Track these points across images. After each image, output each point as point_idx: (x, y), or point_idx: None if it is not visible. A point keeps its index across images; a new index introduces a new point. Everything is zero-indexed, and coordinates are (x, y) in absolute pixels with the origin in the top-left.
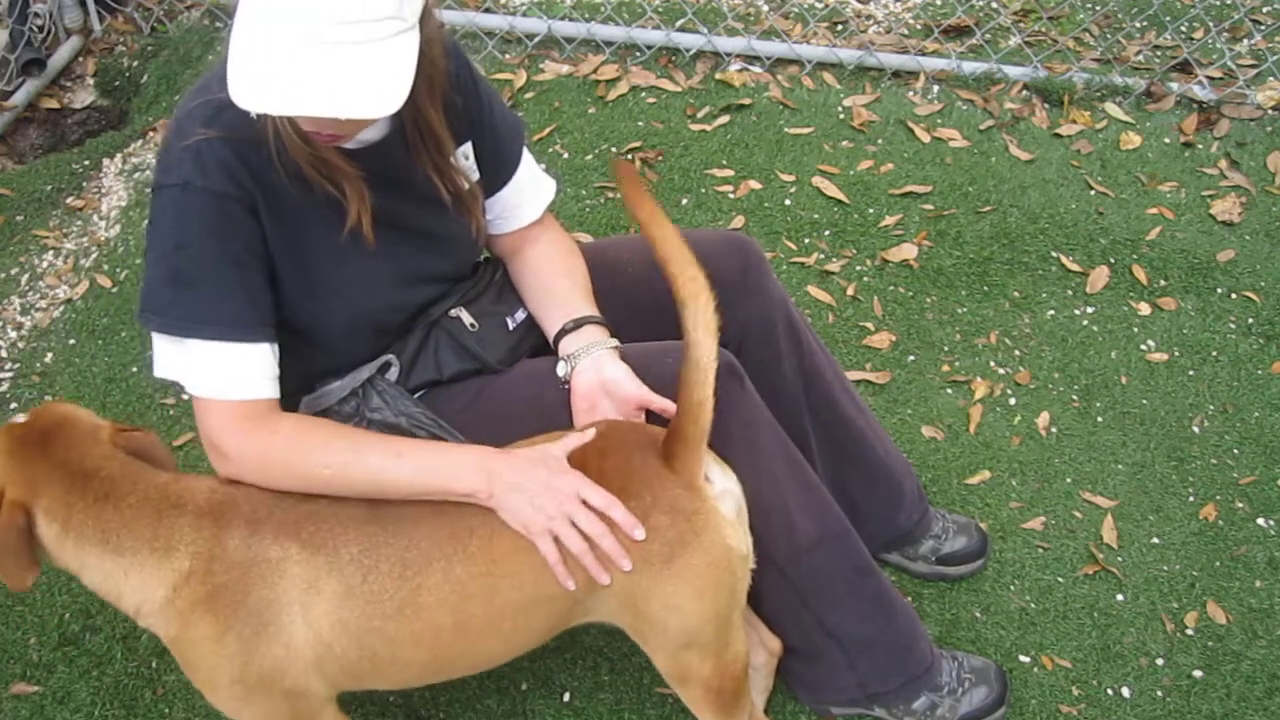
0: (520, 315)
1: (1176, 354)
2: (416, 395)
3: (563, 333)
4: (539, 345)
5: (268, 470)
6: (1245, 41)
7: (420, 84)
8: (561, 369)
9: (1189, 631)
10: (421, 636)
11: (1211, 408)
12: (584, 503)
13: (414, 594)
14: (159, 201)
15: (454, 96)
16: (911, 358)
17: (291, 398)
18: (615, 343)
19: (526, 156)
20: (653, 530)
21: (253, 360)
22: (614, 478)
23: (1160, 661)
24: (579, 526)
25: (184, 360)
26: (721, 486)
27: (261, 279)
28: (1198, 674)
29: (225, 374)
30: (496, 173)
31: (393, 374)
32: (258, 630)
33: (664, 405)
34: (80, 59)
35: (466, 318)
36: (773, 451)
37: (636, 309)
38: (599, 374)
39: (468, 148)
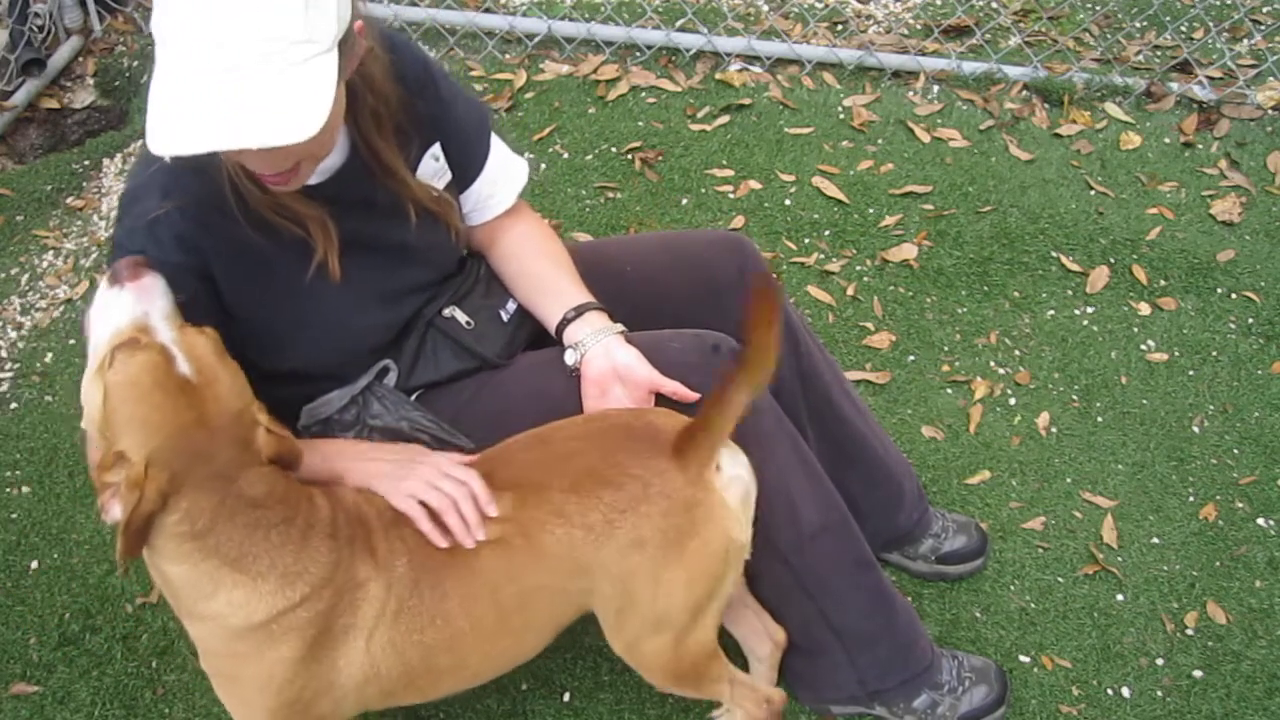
0: (511, 306)
1: (1176, 354)
2: (414, 396)
3: (565, 322)
4: (534, 334)
5: None
6: (1245, 41)
7: (362, 116)
8: (570, 357)
9: (1189, 631)
10: (452, 643)
11: (1211, 408)
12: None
13: (441, 602)
14: None
15: (413, 101)
16: (911, 358)
17: (292, 408)
18: (621, 327)
19: (495, 144)
20: (645, 517)
21: None
22: (595, 469)
23: (1160, 661)
24: (442, 489)
25: None
26: (730, 473)
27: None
28: (1198, 674)
29: None
30: (466, 168)
31: (391, 379)
32: (326, 654)
33: (674, 388)
34: (80, 59)
35: (461, 316)
36: (777, 438)
37: (637, 310)
38: (610, 360)
39: (436, 149)
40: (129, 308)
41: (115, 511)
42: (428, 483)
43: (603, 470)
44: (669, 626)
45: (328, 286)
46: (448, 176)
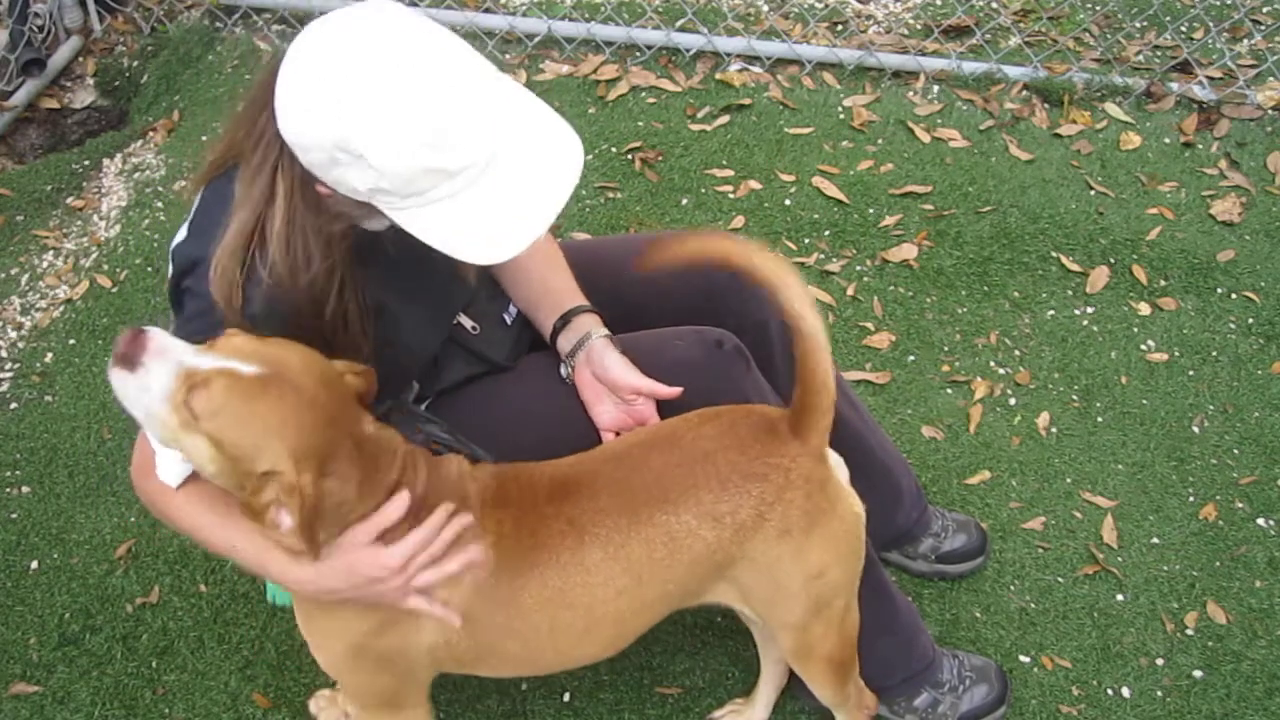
0: (515, 309)
1: (1176, 354)
2: (425, 405)
3: (555, 333)
4: (538, 335)
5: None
6: (1245, 41)
7: None
8: (563, 370)
9: (1189, 631)
10: (519, 632)
11: (1211, 408)
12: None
13: (516, 593)
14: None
15: None
16: (911, 358)
17: None
18: (605, 331)
19: None
20: (791, 504)
21: None
22: (739, 464)
23: (1160, 661)
24: (422, 575)
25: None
26: (835, 458)
27: None
28: (1198, 674)
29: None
30: None
31: (411, 393)
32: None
33: (652, 388)
34: (80, 59)
35: (467, 322)
36: None
37: (634, 310)
38: (591, 366)
39: None
40: (165, 376)
41: (286, 521)
42: (400, 587)
43: (746, 464)
44: (830, 606)
45: (414, 319)
46: None
